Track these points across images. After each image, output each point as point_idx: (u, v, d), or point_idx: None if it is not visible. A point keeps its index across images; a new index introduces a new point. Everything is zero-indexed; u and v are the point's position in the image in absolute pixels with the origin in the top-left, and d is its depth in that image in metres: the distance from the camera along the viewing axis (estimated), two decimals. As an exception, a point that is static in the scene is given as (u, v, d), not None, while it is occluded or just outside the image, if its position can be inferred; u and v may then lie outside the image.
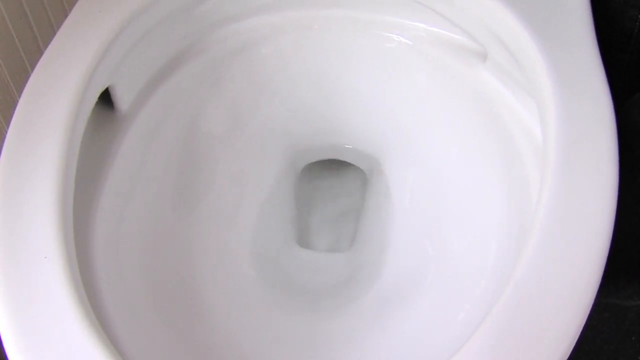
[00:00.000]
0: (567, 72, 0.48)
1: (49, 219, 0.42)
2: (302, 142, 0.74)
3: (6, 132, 0.47)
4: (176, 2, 0.59)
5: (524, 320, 0.37)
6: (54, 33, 0.53)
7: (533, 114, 0.54)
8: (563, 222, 0.40)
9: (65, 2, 0.69)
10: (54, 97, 0.48)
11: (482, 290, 0.51)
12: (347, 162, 0.78)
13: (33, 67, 0.51)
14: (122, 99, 0.56)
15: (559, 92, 0.47)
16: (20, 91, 0.49)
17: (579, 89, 0.47)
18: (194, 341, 0.52)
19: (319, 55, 0.69)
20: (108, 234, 0.51)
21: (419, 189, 0.66)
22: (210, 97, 0.66)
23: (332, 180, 0.81)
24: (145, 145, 0.58)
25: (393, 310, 0.56)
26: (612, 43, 0.64)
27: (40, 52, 0.59)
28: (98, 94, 0.52)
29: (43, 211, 0.42)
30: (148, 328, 0.49)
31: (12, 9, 0.62)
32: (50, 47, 0.52)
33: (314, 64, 0.69)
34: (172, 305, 0.53)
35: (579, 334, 0.37)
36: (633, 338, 0.56)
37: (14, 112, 0.48)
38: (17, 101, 0.48)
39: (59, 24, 0.54)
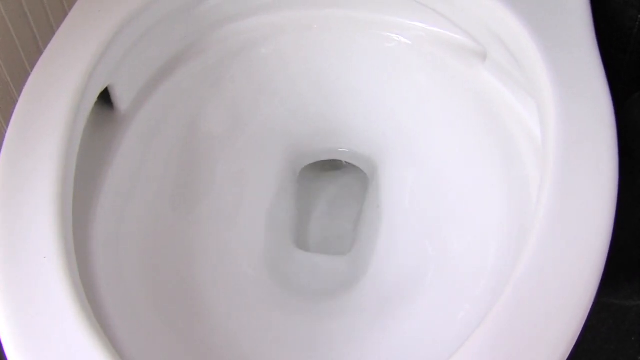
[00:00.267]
0: (567, 72, 0.48)
1: (48, 218, 0.42)
2: (302, 142, 0.74)
3: (6, 132, 0.46)
4: (176, 1, 0.59)
5: (524, 320, 0.37)
6: (53, 33, 0.53)
7: (533, 114, 0.54)
8: (563, 222, 0.40)
9: (65, 2, 0.69)
10: (53, 97, 0.48)
11: (482, 290, 0.51)
12: (346, 164, 0.78)
13: (33, 66, 0.51)
14: (122, 98, 0.56)
15: (558, 92, 0.47)
16: (19, 91, 0.49)
17: (579, 88, 0.47)
18: (194, 341, 0.52)
19: (319, 55, 0.69)
20: (108, 233, 0.51)
21: (419, 189, 0.66)
22: (210, 97, 0.66)
23: (332, 180, 0.81)
24: (145, 145, 0.58)
25: (393, 310, 0.56)
26: (612, 43, 0.64)
27: (39, 52, 0.59)
28: (98, 94, 0.52)
29: (42, 211, 0.42)
30: (148, 328, 0.49)
31: (12, 9, 0.62)
32: (49, 46, 0.52)
33: (314, 64, 0.69)
34: (171, 305, 0.53)
35: (578, 334, 0.37)
36: (633, 338, 0.56)
37: (13, 112, 0.48)
38: (17, 101, 0.48)
39: (59, 24, 0.54)
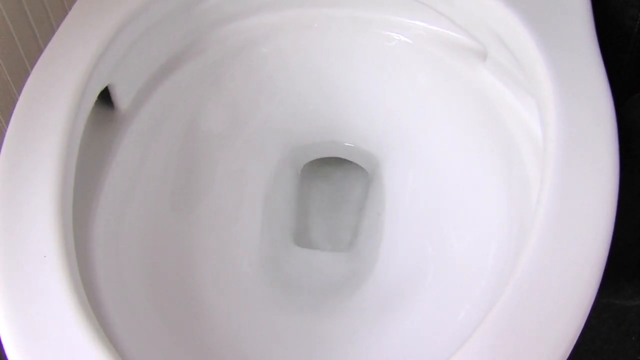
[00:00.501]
0: (567, 72, 0.48)
1: (48, 218, 0.42)
2: (302, 141, 0.74)
3: (6, 131, 0.46)
4: (176, 1, 0.59)
5: (524, 320, 0.37)
6: (53, 32, 0.53)
7: (533, 114, 0.54)
8: (563, 222, 0.40)
9: (65, 1, 0.69)
10: (53, 96, 0.48)
11: (482, 290, 0.51)
12: (347, 161, 0.78)
13: (33, 66, 0.50)
14: (122, 98, 0.56)
15: (559, 91, 0.47)
16: (19, 90, 0.49)
17: (579, 88, 0.47)
18: (194, 341, 0.52)
19: (319, 54, 0.68)
20: (107, 233, 0.51)
21: (419, 188, 0.66)
22: (210, 96, 0.66)
23: (332, 179, 0.81)
24: (145, 144, 0.58)
25: (393, 310, 0.56)
26: (612, 43, 0.63)
27: (40, 51, 0.59)
28: (97, 93, 0.52)
29: (42, 210, 0.42)
30: (147, 327, 0.49)
31: (12, 9, 0.62)
32: (49, 46, 0.52)
33: (314, 63, 0.69)
34: (171, 304, 0.53)
35: (579, 334, 0.37)
36: (633, 338, 0.56)
37: (13, 111, 0.48)
38: (17, 100, 0.48)
39: (59, 23, 0.54)
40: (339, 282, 0.65)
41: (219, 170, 0.66)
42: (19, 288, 0.39)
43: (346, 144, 0.75)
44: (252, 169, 0.68)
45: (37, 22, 0.66)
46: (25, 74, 0.65)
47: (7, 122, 0.47)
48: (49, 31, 0.68)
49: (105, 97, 0.55)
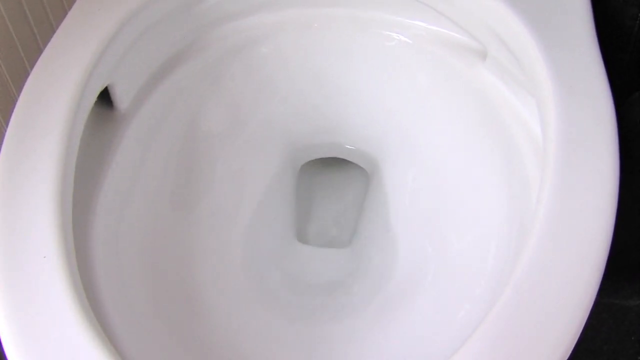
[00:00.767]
0: (567, 71, 0.48)
1: (48, 218, 0.42)
2: (302, 140, 0.74)
3: (5, 131, 0.46)
4: (176, 0, 0.59)
5: (524, 320, 0.37)
6: (53, 32, 0.53)
7: (533, 113, 0.54)
8: (563, 221, 0.40)
9: (65, 1, 0.69)
10: (53, 96, 0.48)
11: (482, 290, 0.51)
12: (347, 161, 0.78)
13: (32, 65, 0.50)
14: (122, 97, 0.56)
15: (559, 91, 0.47)
16: (19, 90, 0.49)
17: (579, 87, 0.47)
18: (194, 341, 0.52)
19: (319, 53, 0.68)
20: (107, 233, 0.51)
21: (419, 188, 0.66)
22: (210, 95, 0.66)
23: (332, 179, 0.81)
24: (145, 144, 0.58)
25: (393, 310, 0.56)
26: (612, 42, 0.63)
27: (39, 51, 0.59)
28: (97, 93, 0.52)
29: (42, 210, 0.42)
30: (147, 327, 0.49)
31: (12, 9, 0.62)
32: (49, 45, 0.52)
33: (314, 63, 0.69)
34: (171, 304, 0.53)
35: (579, 334, 0.37)
36: (633, 338, 0.56)
37: (13, 111, 0.48)
38: (17, 100, 0.48)
39: (58, 23, 0.54)
40: (339, 282, 0.65)
41: (219, 170, 0.66)
42: (19, 288, 0.39)
43: (346, 144, 0.75)
44: (252, 169, 0.68)
45: (36, 22, 0.66)
46: (25, 74, 0.65)
47: (7, 122, 0.47)
48: (49, 31, 0.68)
49: (105, 97, 0.55)
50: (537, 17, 0.52)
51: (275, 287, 0.62)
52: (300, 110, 0.72)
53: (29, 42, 0.65)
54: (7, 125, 0.47)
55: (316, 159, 0.78)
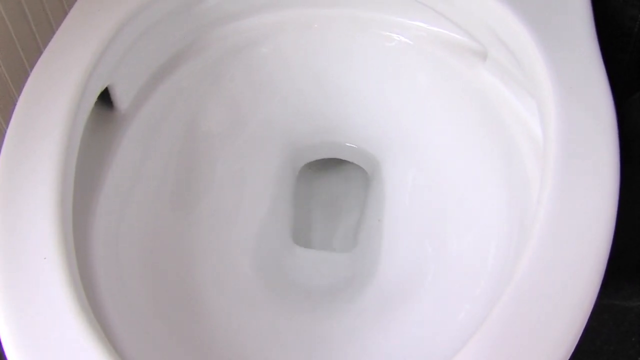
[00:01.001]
0: (567, 72, 0.48)
1: (48, 218, 0.42)
2: (303, 140, 0.74)
3: (5, 132, 0.46)
4: (176, 1, 0.59)
5: (525, 321, 0.37)
6: (53, 32, 0.53)
7: (533, 114, 0.54)
8: (563, 222, 0.40)
9: (65, 2, 0.69)
10: (53, 97, 0.48)
11: (482, 290, 0.51)
12: (346, 163, 0.78)
13: (32, 66, 0.50)
14: (122, 98, 0.56)
15: (559, 91, 0.47)
16: (19, 90, 0.49)
17: (579, 88, 0.47)
18: (194, 341, 0.52)
19: (319, 54, 0.68)
20: (107, 233, 0.51)
21: (419, 188, 0.66)
22: (210, 95, 0.66)
23: (332, 179, 0.81)
24: (145, 144, 0.58)
25: (393, 310, 0.56)
26: (612, 43, 0.63)
27: (39, 52, 0.59)
28: (97, 94, 0.52)
29: (42, 211, 0.42)
30: (148, 328, 0.49)
31: (12, 9, 0.62)
32: (49, 46, 0.52)
33: (314, 63, 0.69)
34: (171, 304, 0.53)
35: (579, 334, 0.37)
36: (633, 339, 0.56)
37: (13, 112, 0.48)
38: (17, 100, 0.48)
39: (58, 23, 0.54)
40: (339, 281, 0.65)
41: (219, 170, 0.66)
42: (19, 289, 0.39)
43: (346, 144, 0.75)
44: (252, 169, 0.68)
45: (36, 22, 0.66)
46: (25, 75, 0.65)
47: (7, 122, 0.47)
48: (49, 31, 0.68)
49: (105, 97, 0.55)
50: (537, 17, 0.52)
51: (276, 288, 0.62)
52: (300, 110, 0.72)
53: (29, 43, 0.65)
54: (7, 125, 0.47)
55: (316, 161, 0.78)
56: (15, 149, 0.45)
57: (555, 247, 0.39)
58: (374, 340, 0.54)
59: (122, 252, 0.51)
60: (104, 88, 0.54)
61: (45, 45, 0.52)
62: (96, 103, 0.52)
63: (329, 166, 0.81)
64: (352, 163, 0.77)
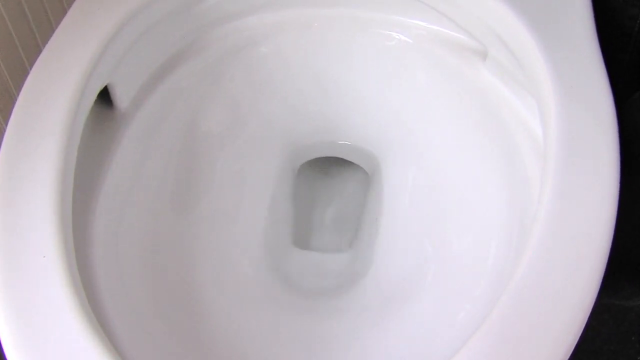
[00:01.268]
0: (567, 71, 0.48)
1: (47, 218, 0.42)
2: (303, 140, 0.74)
3: (5, 131, 0.46)
4: (176, 0, 0.59)
5: (525, 321, 0.37)
6: (52, 31, 0.53)
7: (533, 113, 0.54)
8: (564, 222, 0.40)
9: (64, 1, 0.69)
10: (52, 96, 0.48)
11: (482, 290, 0.51)
12: (346, 163, 0.78)
13: (32, 65, 0.50)
14: (121, 97, 0.56)
15: (559, 91, 0.47)
16: (18, 89, 0.49)
17: (579, 88, 0.47)
18: (194, 341, 0.52)
19: (319, 53, 0.68)
20: (107, 233, 0.51)
21: (419, 188, 0.66)
22: (210, 95, 0.66)
23: (332, 178, 0.81)
24: (145, 144, 0.58)
25: (393, 310, 0.56)
26: (612, 43, 0.63)
27: (39, 51, 0.59)
28: (97, 93, 0.52)
29: (42, 210, 0.42)
30: (147, 327, 0.49)
31: (12, 8, 0.62)
32: (49, 45, 0.52)
33: (314, 63, 0.69)
34: (171, 304, 0.53)
35: (580, 334, 0.37)
36: (633, 338, 0.56)
37: (12, 111, 0.47)
38: (16, 99, 0.48)
39: (58, 22, 0.53)
40: (339, 282, 0.65)
41: (219, 170, 0.65)
42: (19, 288, 0.39)
43: (346, 144, 0.75)
44: (252, 169, 0.68)
45: (36, 22, 0.66)
46: (25, 74, 0.65)
47: (7, 121, 0.47)
48: (48, 31, 0.68)
49: (105, 97, 0.55)
50: (537, 17, 0.52)
51: (276, 287, 0.62)
52: (300, 110, 0.72)
53: (29, 42, 0.65)
54: (6, 125, 0.47)
55: (316, 160, 0.77)
56: (15, 148, 0.45)
57: (555, 247, 0.39)
58: (374, 340, 0.54)
59: (122, 252, 0.51)
60: (103, 87, 0.54)
61: (45, 44, 0.52)
62: (96, 102, 0.52)
63: (329, 166, 0.81)
64: (352, 163, 0.77)
